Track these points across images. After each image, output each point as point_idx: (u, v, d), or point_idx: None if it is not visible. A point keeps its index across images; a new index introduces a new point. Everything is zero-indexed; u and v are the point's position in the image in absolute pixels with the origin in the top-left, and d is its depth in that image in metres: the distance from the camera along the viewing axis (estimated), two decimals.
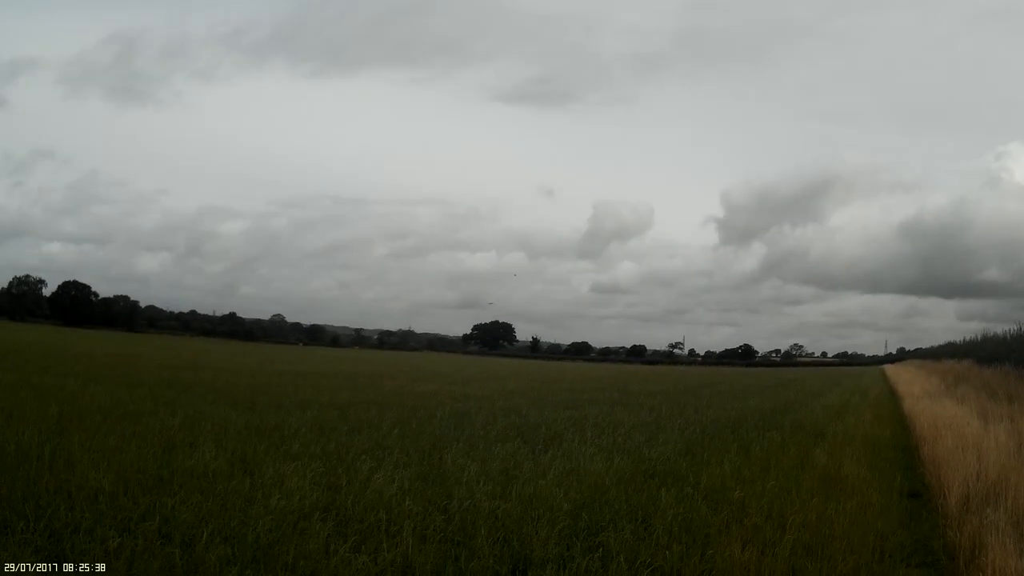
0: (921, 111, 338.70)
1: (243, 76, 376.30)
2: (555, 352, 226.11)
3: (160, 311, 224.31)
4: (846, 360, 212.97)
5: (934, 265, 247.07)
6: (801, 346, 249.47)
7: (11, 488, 9.57)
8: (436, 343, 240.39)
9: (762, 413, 27.53)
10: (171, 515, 9.01)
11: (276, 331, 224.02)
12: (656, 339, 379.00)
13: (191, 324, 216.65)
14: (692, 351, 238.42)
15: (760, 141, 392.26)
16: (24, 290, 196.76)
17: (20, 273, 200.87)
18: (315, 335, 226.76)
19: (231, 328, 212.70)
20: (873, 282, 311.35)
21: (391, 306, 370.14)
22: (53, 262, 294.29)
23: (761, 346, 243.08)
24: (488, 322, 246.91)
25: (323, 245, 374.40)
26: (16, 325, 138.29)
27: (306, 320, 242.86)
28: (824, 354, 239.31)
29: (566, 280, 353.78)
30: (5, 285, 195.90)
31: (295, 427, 17.40)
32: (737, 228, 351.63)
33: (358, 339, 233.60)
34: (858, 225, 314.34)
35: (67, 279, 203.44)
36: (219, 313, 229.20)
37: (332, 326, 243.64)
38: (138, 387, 25.92)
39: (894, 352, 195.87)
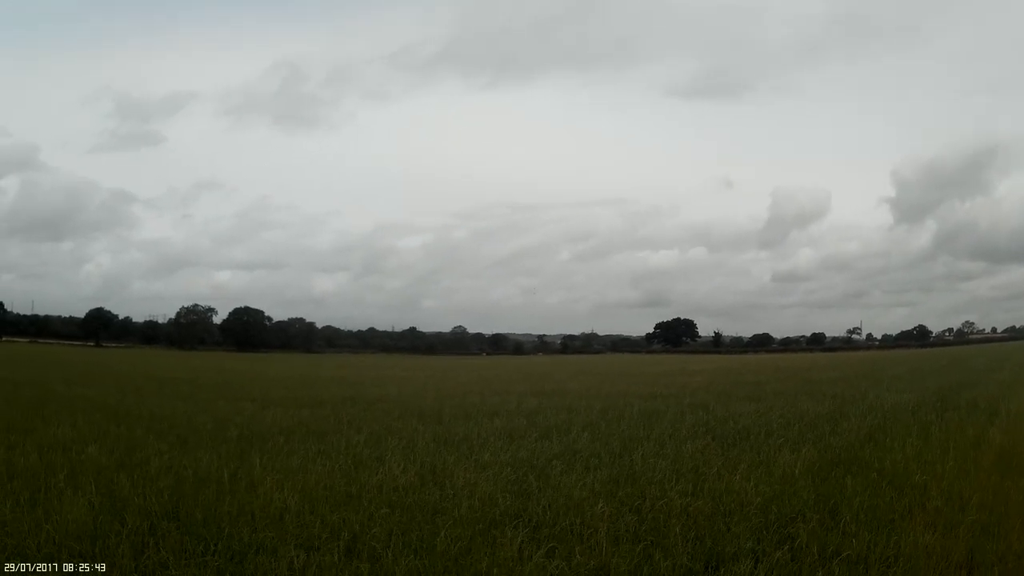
0: None
1: (414, 93, 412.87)
2: (737, 345, 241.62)
3: (338, 331, 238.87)
4: (1014, 335, 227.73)
5: None
6: (972, 323, 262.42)
7: (191, 513, 10.42)
8: (619, 344, 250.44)
9: (938, 394, 30.54)
10: (359, 530, 9.66)
11: (457, 343, 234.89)
12: (834, 325, 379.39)
13: (370, 341, 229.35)
14: (869, 335, 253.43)
15: (923, 116, 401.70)
16: (193, 319, 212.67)
17: (189, 303, 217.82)
18: (498, 344, 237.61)
19: (411, 343, 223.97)
20: None
21: (574, 309, 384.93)
22: (223, 289, 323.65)
23: (934, 325, 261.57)
24: (670, 319, 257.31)
25: (504, 253, 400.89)
26: (187, 353, 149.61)
27: (488, 330, 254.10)
28: (994, 329, 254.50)
29: (747, 271, 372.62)
30: (173, 315, 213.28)
31: (484, 436, 18.58)
32: (909, 206, 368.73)
33: (541, 345, 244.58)
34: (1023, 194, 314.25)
35: (238, 305, 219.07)
36: (398, 329, 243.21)
37: (515, 334, 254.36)
38: (319, 407, 27.57)
39: None
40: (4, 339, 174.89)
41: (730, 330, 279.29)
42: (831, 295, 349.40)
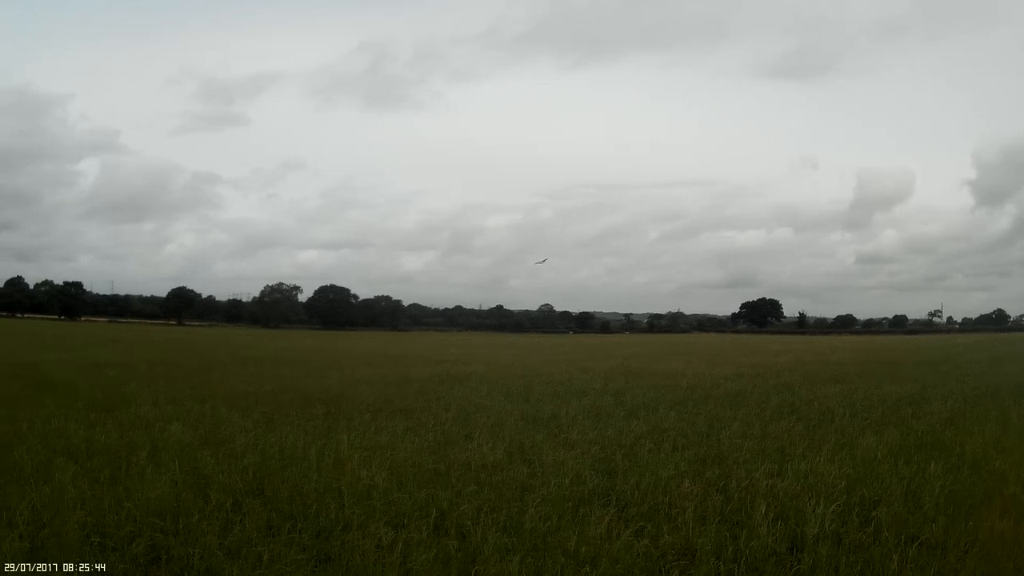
0: None
1: (502, 73, 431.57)
2: (821, 326, 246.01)
3: (424, 308, 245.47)
4: None
5: None
6: None
7: (277, 490, 10.68)
8: (705, 323, 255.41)
9: (1017, 380, 31.36)
10: (448, 508, 9.86)
11: (544, 321, 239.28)
12: (916, 307, 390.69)
13: (457, 319, 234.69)
14: (950, 318, 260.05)
15: (1003, 97, 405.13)
16: (277, 297, 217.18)
17: (273, 282, 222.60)
18: (584, 323, 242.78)
19: (499, 321, 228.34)
20: None
21: (660, 289, 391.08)
22: (308, 268, 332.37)
23: (1013, 310, 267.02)
24: (756, 300, 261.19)
25: (591, 233, 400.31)
26: (271, 331, 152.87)
27: (575, 308, 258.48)
28: None
29: (831, 252, 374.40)
30: (257, 294, 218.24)
31: (572, 414, 19.11)
32: (989, 189, 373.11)
33: (628, 324, 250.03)
34: None
35: (324, 284, 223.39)
36: (486, 307, 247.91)
37: (601, 313, 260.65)
38: (406, 384, 28.07)
39: None
40: (84, 319, 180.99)
41: (814, 311, 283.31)
42: (913, 278, 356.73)
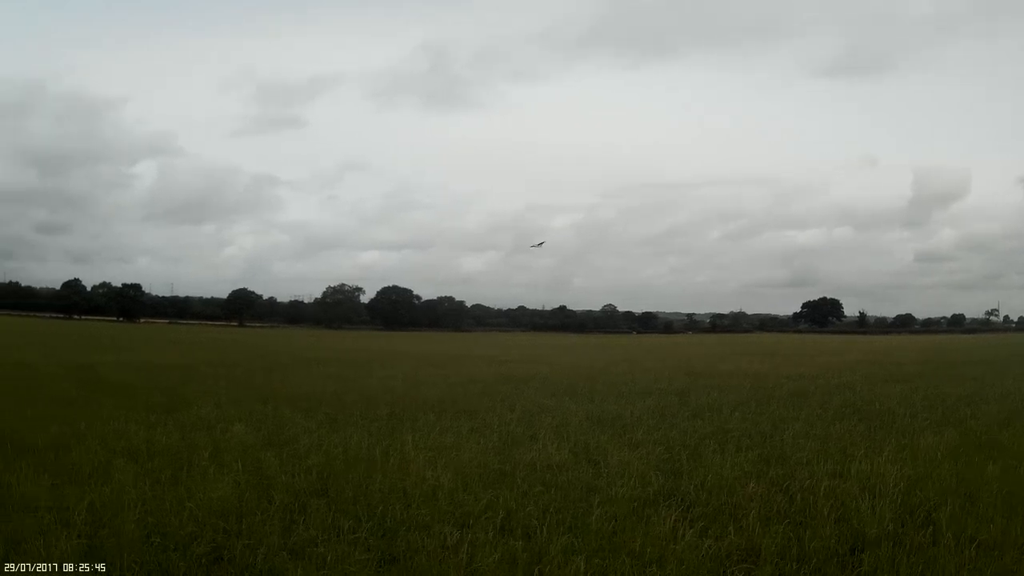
0: None
1: (562, 72, 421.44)
2: (880, 326, 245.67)
3: (487, 309, 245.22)
4: None
5: None
6: None
7: (341, 490, 10.72)
8: (767, 323, 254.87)
9: None
10: (515, 508, 9.87)
11: (607, 321, 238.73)
12: (973, 306, 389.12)
13: (520, 320, 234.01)
14: (1006, 317, 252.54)
15: None
16: (339, 298, 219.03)
17: (335, 283, 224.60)
18: (647, 323, 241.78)
19: (562, 321, 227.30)
20: None
21: (722, 288, 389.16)
22: (370, 270, 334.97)
23: None
24: (816, 299, 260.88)
25: (652, 232, 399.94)
26: (333, 332, 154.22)
27: (637, 308, 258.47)
28: None
29: (890, 250, 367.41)
30: (319, 295, 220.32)
31: (636, 415, 19.21)
32: None
33: (690, 324, 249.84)
34: None
35: (386, 285, 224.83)
36: (548, 307, 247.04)
37: (664, 313, 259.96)
38: (470, 384, 28.20)
39: None
40: (143, 320, 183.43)
41: (874, 310, 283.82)
42: (970, 276, 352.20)
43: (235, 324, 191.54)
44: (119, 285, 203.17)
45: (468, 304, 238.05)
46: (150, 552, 8.23)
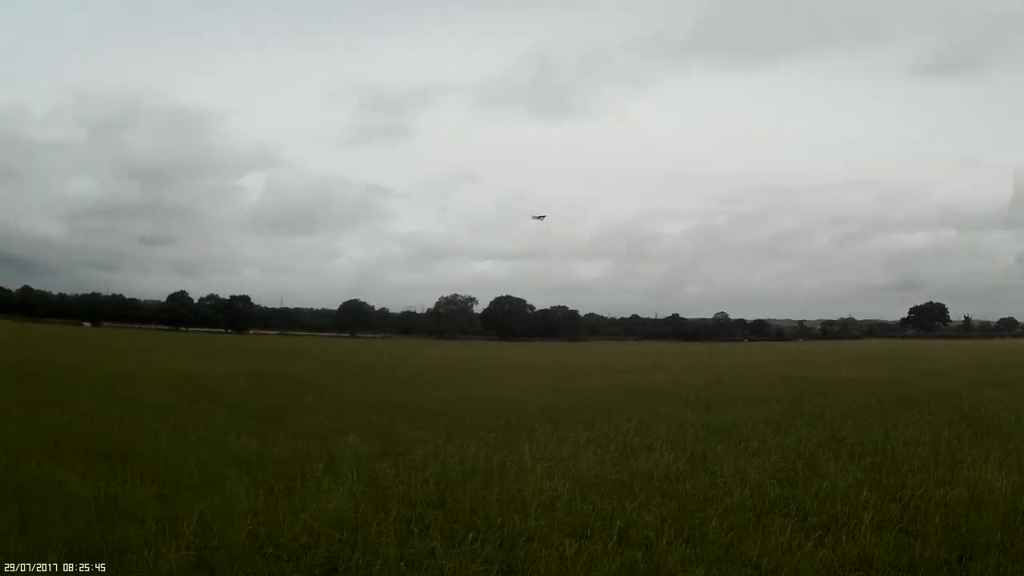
0: None
1: (669, 78, 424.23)
2: (984, 330, 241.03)
3: (601, 318, 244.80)
4: None
5: None
6: None
7: (458, 501, 10.75)
8: (875, 328, 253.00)
9: None
10: (633, 518, 9.81)
11: (719, 329, 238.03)
12: None
13: (633, 328, 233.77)
14: None
15: None
16: (452, 308, 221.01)
17: (447, 293, 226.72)
18: (758, 330, 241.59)
19: (674, 329, 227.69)
20: None
21: (832, 293, 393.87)
22: (483, 279, 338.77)
23: None
24: (923, 303, 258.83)
25: (762, 237, 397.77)
26: (447, 342, 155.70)
27: (749, 315, 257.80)
28: None
29: (993, 252, 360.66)
30: (431, 305, 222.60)
31: (751, 423, 19.25)
32: None
33: (801, 331, 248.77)
34: None
35: (499, 295, 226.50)
36: (661, 316, 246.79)
37: (775, 320, 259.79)
38: (586, 394, 28.41)
39: None
40: (252, 332, 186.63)
41: (977, 314, 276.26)
42: None
43: (346, 335, 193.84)
44: (227, 297, 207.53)
45: (581, 313, 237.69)
46: (262, 563, 8.29)
